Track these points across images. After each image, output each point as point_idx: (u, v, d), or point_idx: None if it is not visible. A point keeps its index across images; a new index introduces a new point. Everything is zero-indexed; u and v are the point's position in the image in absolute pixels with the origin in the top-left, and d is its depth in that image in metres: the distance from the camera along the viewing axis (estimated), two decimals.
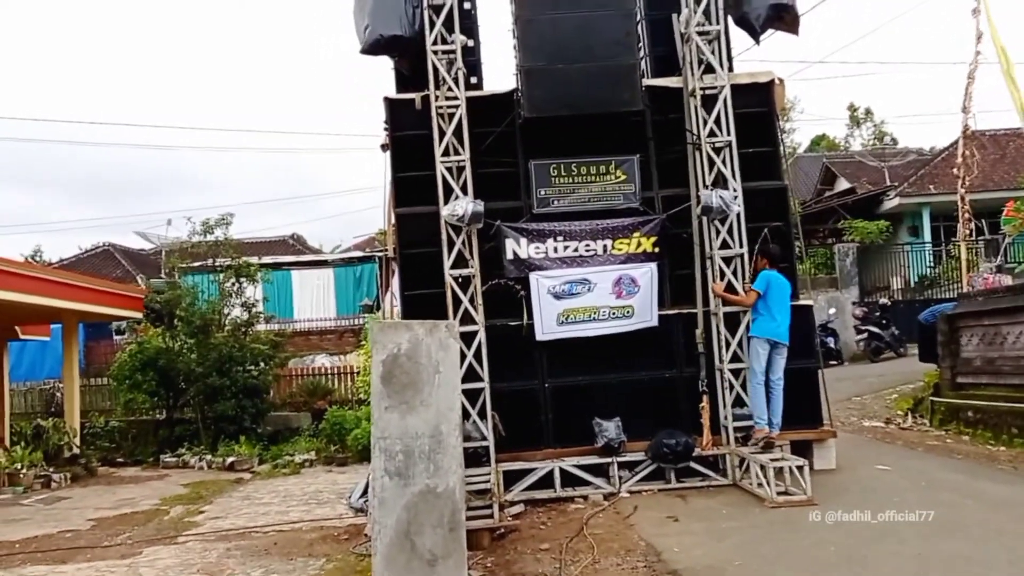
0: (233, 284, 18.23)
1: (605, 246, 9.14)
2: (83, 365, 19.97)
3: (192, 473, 15.14)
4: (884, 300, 20.82)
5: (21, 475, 13.30)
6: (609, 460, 8.73)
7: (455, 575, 4.91)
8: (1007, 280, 13.98)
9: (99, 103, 74.98)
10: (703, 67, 9.05)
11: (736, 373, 8.89)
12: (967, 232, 15.82)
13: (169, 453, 16.64)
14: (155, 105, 74.54)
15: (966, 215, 15.29)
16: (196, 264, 20.11)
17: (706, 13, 9.07)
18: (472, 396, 8.60)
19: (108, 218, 69.95)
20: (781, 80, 9.51)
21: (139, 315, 17.51)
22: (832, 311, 19.93)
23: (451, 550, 4.93)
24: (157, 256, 29.64)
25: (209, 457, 15.83)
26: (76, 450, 15.05)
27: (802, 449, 8.77)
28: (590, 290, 9.06)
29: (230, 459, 15.42)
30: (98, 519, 10.74)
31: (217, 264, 18.97)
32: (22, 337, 18.04)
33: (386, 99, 9.39)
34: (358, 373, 19.08)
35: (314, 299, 25.76)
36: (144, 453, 17.20)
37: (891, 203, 25.67)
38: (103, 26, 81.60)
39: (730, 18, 9.43)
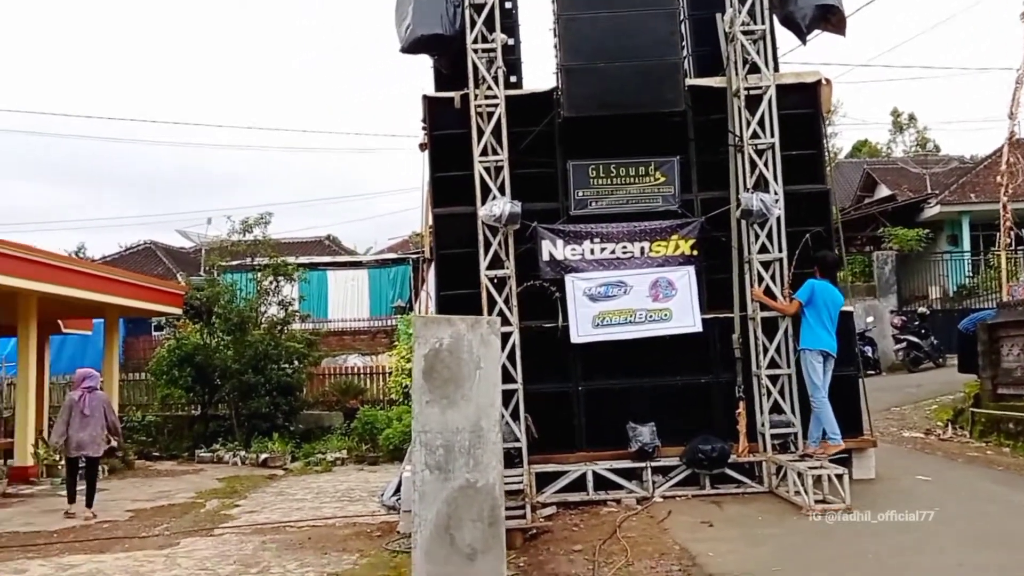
0: (271, 283, 18.45)
1: (642, 248, 9.08)
2: (122, 360, 20.28)
3: (226, 468, 15.32)
4: (923, 309, 20.46)
5: (59, 467, 13.48)
6: (643, 464, 8.66)
7: (494, 569, 4.90)
8: None
9: (147, 101, 76.25)
10: (748, 67, 8.96)
11: (774, 379, 8.78)
12: (1008, 241, 15.51)
13: (204, 448, 16.86)
14: (201, 104, 75.63)
15: (1007, 224, 14.98)
16: (235, 262, 20.38)
17: (751, 12, 8.97)
18: (505, 397, 8.54)
19: (150, 216, 71.03)
20: (828, 81, 9.37)
21: (178, 311, 17.74)
22: (870, 320, 19.61)
23: (490, 545, 4.92)
24: (197, 254, 30.01)
25: (243, 453, 16.01)
26: (114, 443, 15.26)
27: (841, 458, 8.62)
28: (626, 293, 9.00)
29: (263, 455, 15.57)
30: (136, 510, 10.88)
31: (255, 263, 19.21)
32: (64, 331, 18.35)
33: (425, 97, 9.40)
34: (390, 374, 19.19)
35: (348, 300, 25.92)
36: (179, 448, 17.44)
37: (931, 211, 25.28)
38: (153, 26, 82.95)
39: (775, 17, 9.33)
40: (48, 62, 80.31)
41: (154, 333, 24.71)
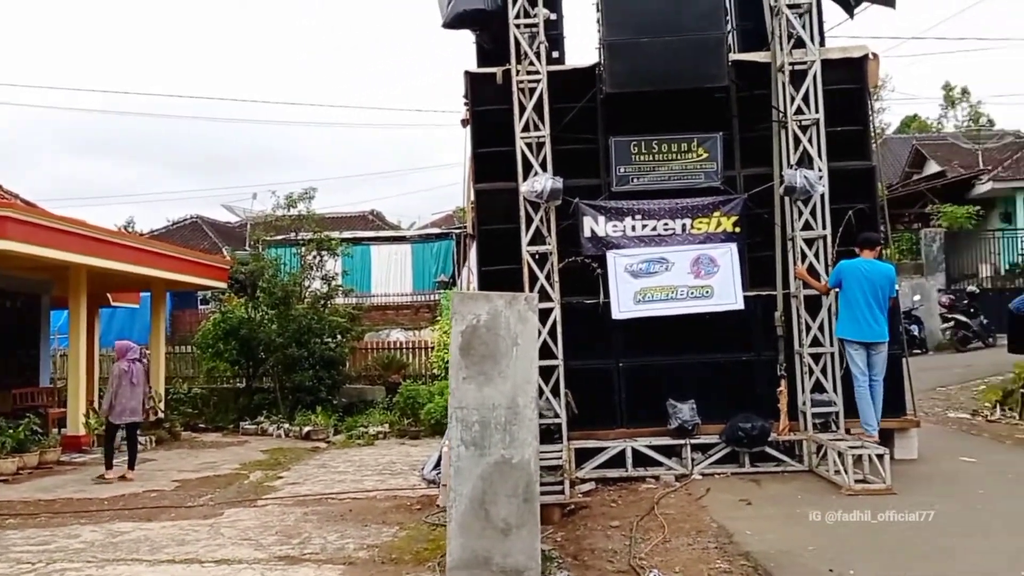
0: (315, 257, 18.64)
1: (684, 225, 9.02)
2: (169, 333, 20.70)
3: (270, 440, 15.57)
4: (972, 288, 20.01)
5: None
6: (682, 442, 8.66)
7: (528, 545, 4.95)
8: None
9: (192, 77, 77.13)
10: (793, 41, 8.81)
11: (816, 358, 8.69)
12: None
13: (248, 420, 17.16)
14: (247, 80, 76.32)
15: None
16: (279, 237, 20.64)
17: None
18: (546, 373, 8.61)
19: (197, 191, 72.25)
20: (876, 55, 9.17)
21: (224, 285, 18.04)
22: (917, 298, 19.30)
23: (525, 520, 4.97)
24: (242, 229, 30.45)
25: (287, 426, 16.25)
26: (161, 414, 15.61)
27: (883, 438, 8.51)
28: (668, 269, 8.96)
29: (307, 428, 15.80)
30: (181, 481, 11.13)
31: (299, 237, 19.43)
32: (113, 304, 18.77)
33: (467, 73, 9.39)
34: (432, 348, 19.32)
35: (391, 274, 26.14)
36: (225, 420, 17.76)
37: (983, 187, 24.61)
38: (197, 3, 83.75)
39: None
40: (98, 42, 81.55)
41: (200, 307, 25.20)
